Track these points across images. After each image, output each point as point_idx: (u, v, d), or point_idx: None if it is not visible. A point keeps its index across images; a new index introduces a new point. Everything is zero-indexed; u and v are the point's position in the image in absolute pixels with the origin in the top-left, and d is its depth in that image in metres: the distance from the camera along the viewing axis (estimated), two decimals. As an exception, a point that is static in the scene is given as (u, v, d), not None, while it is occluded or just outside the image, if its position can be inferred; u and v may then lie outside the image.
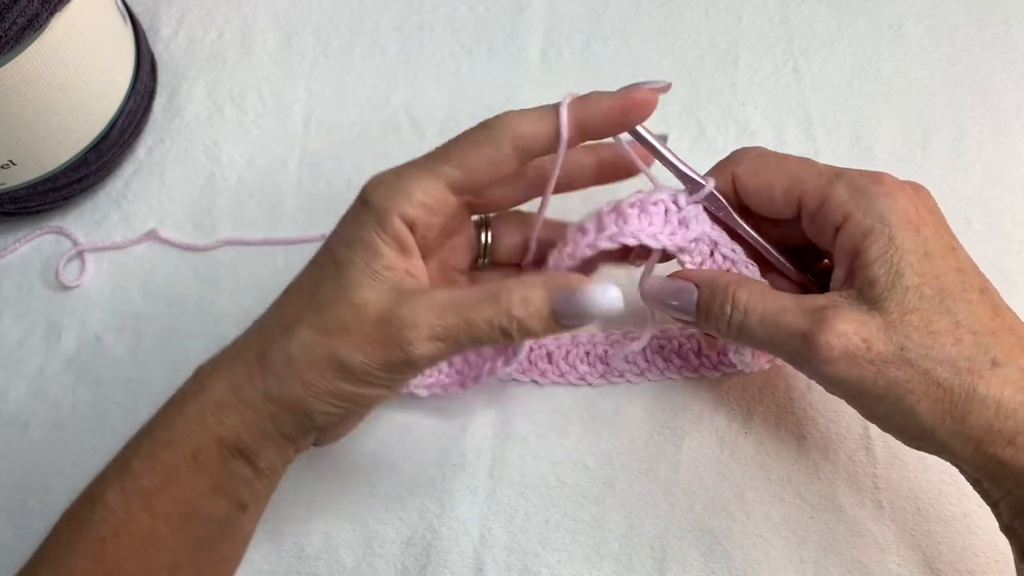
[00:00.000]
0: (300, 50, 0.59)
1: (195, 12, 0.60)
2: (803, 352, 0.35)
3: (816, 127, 0.55)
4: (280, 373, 0.35)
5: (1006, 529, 0.37)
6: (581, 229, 0.40)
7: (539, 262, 0.45)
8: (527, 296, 0.35)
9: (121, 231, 0.53)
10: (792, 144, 0.54)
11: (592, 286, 0.34)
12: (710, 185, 0.39)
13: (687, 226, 0.39)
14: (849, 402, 0.38)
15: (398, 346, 0.34)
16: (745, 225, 0.41)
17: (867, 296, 0.35)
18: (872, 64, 0.57)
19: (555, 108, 0.37)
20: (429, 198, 0.36)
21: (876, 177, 0.37)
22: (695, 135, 0.55)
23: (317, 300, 0.36)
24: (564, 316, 0.35)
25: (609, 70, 0.57)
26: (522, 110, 0.37)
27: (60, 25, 0.44)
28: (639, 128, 0.38)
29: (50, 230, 0.53)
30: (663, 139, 0.39)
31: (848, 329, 0.34)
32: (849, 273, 0.36)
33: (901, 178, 0.38)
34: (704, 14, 0.59)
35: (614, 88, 0.38)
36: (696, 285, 0.39)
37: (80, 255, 0.53)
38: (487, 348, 0.43)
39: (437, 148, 0.38)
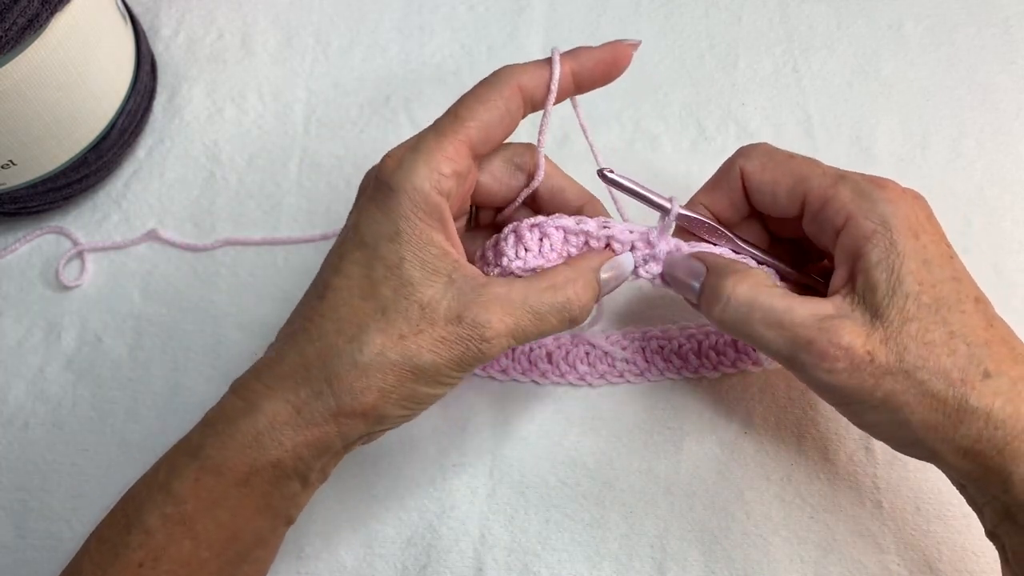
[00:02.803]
0: (300, 50, 0.59)
1: (195, 12, 0.60)
2: (805, 359, 0.35)
3: (816, 127, 0.55)
4: (353, 385, 0.34)
5: (990, 535, 0.37)
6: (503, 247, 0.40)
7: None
8: (586, 281, 0.37)
9: (121, 231, 0.53)
10: (792, 144, 0.53)
11: (623, 256, 0.39)
12: (675, 208, 0.39)
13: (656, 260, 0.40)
14: (840, 408, 0.38)
15: (473, 344, 0.35)
16: (730, 233, 0.41)
17: (869, 302, 0.35)
18: (872, 64, 0.57)
19: (549, 58, 0.38)
20: (457, 164, 0.35)
21: (880, 182, 0.37)
22: (695, 135, 0.55)
23: (379, 303, 0.35)
24: (605, 289, 0.39)
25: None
26: (518, 63, 0.38)
27: (60, 25, 0.44)
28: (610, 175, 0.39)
29: (50, 230, 0.53)
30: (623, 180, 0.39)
31: (855, 342, 0.34)
32: (850, 275, 0.36)
33: (901, 179, 0.38)
34: (704, 14, 0.59)
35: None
36: (707, 267, 0.38)
37: (80, 255, 0.52)
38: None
39: (443, 115, 0.37)
